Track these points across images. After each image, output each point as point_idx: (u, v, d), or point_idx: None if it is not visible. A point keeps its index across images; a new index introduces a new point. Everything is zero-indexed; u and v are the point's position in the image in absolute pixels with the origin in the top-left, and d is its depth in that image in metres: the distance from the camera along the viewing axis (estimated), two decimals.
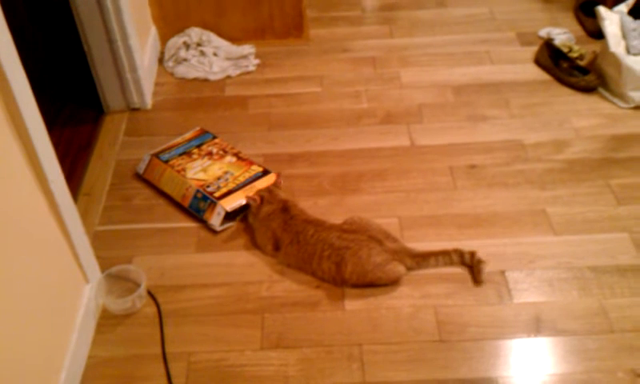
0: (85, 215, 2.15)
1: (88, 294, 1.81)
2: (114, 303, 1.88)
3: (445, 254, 1.96)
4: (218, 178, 2.19)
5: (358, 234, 1.93)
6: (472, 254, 1.96)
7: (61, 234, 1.68)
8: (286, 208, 2.01)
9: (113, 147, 2.45)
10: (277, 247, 2.00)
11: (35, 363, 1.51)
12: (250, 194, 2.07)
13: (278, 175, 2.19)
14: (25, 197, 1.50)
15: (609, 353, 1.74)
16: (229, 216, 2.10)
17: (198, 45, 2.87)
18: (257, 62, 2.87)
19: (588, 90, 2.61)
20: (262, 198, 2.03)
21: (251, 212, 2.07)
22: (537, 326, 1.81)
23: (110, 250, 2.06)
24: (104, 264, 1.95)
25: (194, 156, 2.30)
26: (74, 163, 2.38)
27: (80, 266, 1.78)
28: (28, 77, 1.50)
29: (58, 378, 1.60)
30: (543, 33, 2.96)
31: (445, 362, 1.73)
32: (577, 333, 1.79)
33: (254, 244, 2.05)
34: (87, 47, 2.44)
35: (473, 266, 1.95)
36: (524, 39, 2.97)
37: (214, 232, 2.10)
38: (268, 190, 2.08)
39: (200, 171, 2.22)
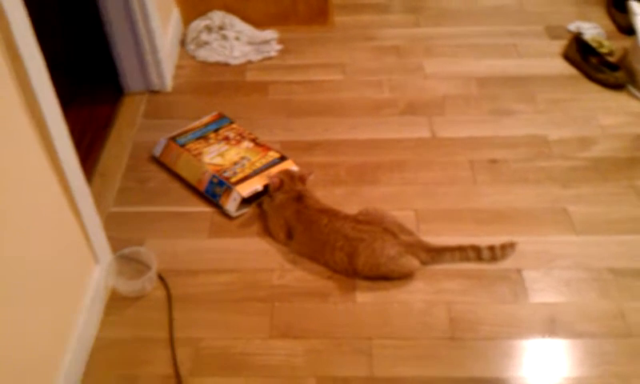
0: (99, 196, 2.15)
1: (97, 275, 1.81)
2: (123, 285, 1.87)
3: (461, 249, 1.92)
4: (235, 164, 2.17)
5: (372, 226, 1.89)
6: (492, 248, 1.91)
7: (71, 213, 1.67)
8: (300, 197, 1.98)
9: (131, 129, 2.44)
10: (290, 236, 1.97)
11: (41, 343, 1.51)
12: (274, 175, 2.04)
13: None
14: (36, 176, 1.49)
15: (625, 358, 1.68)
16: (245, 202, 2.08)
17: (220, 28, 2.84)
18: (279, 47, 2.84)
19: (617, 87, 2.53)
20: (281, 182, 2.00)
21: (267, 197, 2.05)
22: (552, 327, 1.76)
23: (122, 231, 2.05)
24: (116, 245, 1.94)
25: (211, 141, 2.28)
26: (91, 143, 2.38)
27: (90, 246, 1.78)
28: (47, 56, 1.49)
29: (64, 358, 1.60)
30: (573, 27, 2.88)
31: (456, 361, 1.69)
32: (593, 336, 1.73)
33: (267, 231, 2.03)
34: (108, 27, 2.43)
35: (497, 258, 1.92)
36: (553, 33, 2.89)
37: (228, 217, 2.08)
38: (290, 175, 2.04)
39: (217, 156, 2.20)
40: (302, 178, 2.05)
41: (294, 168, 2.17)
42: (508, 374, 1.66)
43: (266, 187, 2.08)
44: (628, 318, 1.77)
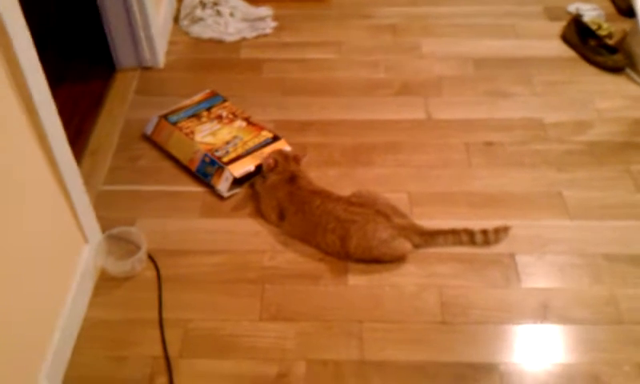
0: (90, 174, 2.12)
1: (87, 255, 1.79)
2: (113, 265, 1.85)
3: (454, 233, 1.90)
4: (227, 143, 2.15)
5: (365, 208, 1.87)
6: (485, 232, 1.90)
7: (60, 192, 1.64)
8: (293, 178, 1.96)
9: (122, 106, 2.41)
10: (282, 217, 1.95)
11: (29, 322, 1.49)
12: (269, 155, 2.02)
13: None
14: (23, 155, 1.46)
15: (617, 345, 1.67)
16: (236, 182, 2.06)
17: (215, 4, 2.80)
18: (274, 24, 2.80)
19: (615, 70, 2.50)
20: (276, 162, 1.97)
21: (259, 177, 2.02)
22: (544, 312, 1.75)
23: (113, 210, 2.03)
24: (106, 224, 1.92)
25: (203, 119, 2.25)
26: (82, 121, 2.35)
27: (79, 225, 1.75)
28: (37, 32, 1.45)
29: (52, 337, 1.58)
30: (572, 8, 2.84)
31: (446, 345, 1.68)
32: (585, 322, 1.73)
33: (259, 212, 2.01)
34: (100, 2, 2.39)
35: (490, 243, 1.90)
36: (552, 14, 2.86)
37: (220, 197, 2.06)
38: (284, 155, 2.02)
39: (209, 135, 2.18)
40: (296, 159, 2.02)
41: (287, 148, 2.15)
42: (498, 358, 1.65)
43: (258, 167, 2.06)
44: (620, 304, 1.76)
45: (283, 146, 2.16)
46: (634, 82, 2.46)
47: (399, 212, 1.91)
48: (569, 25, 2.67)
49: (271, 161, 1.98)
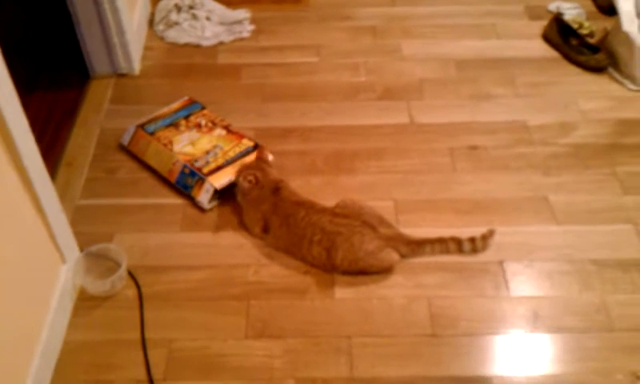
0: (65, 187, 2.06)
1: (65, 275, 1.72)
2: (92, 284, 1.79)
3: (441, 241, 1.87)
4: (207, 153, 2.09)
5: (350, 219, 1.83)
6: (473, 239, 1.87)
7: (35, 212, 1.58)
8: (277, 189, 1.91)
9: (97, 115, 2.34)
10: (266, 229, 1.90)
11: (6, 351, 1.43)
12: (242, 171, 1.95)
13: (261, 149, 2.05)
14: None
15: (608, 353, 1.66)
16: (218, 193, 2.00)
17: (191, 7, 2.73)
18: (251, 27, 2.74)
19: (597, 69, 2.49)
20: (256, 179, 1.91)
21: (240, 190, 1.97)
22: (534, 321, 1.73)
23: (90, 225, 1.96)
24: (84, 240, 1.85)
25: (182, 128, 2.19)
26: (56, 131, 2.27)
27: (56, 245, 1.69)
28: (6, 40, 1.38)
29: (31, 365, 1.52)
30: (553, 7, 2.82)
31: (436, 358, 1.65)
32: (575, 330, 1.71)
33: (242, 225, 1.96)
34: (72, 8, 2.31)
35: (478, 250, 1.87)
36: (533, 13, 2.83)
37: (201, 210, 2.01)
38: (260, 168, 1.96)
39: (188, 144, 2.12)
40: (264, 161, 1.98)
41: (270, 157, 2.10)
42: (489, 371, 1.62)
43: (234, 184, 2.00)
44: (611, 311, 1.74)
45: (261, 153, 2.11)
46: (617, 81, 2.45)
47: (385, 222, 1.88)
48: (550, 24, 2.65)
49: (251, 178, 1.91)
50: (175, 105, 2.29)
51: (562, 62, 2.57)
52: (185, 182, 2.03)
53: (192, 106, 2.29)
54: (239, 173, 1.94)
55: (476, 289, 1.80)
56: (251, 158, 2.07)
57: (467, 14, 2.83)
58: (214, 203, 2.01)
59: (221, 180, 2.00)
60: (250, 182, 1.90)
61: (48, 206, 1.62)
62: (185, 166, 2.04)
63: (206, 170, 2.02)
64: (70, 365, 1.64)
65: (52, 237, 1.67)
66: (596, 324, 1.72)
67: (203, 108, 2.28)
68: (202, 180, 2.00)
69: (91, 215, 2.00)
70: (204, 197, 1.99)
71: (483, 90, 2.44)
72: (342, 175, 2.13)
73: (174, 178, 2.06)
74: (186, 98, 2.33)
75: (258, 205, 1.91)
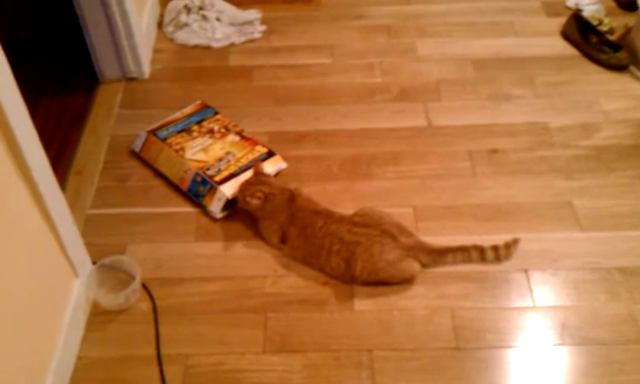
0: (76, 196, 2.01)
1: (77, 290, 1.68)
2: (105, 298, 1.74)
3: (463, 250, 1.82)
4: (220, 160, 2.03)
5: (370, 228, 1.78)
6: (496, 248, 1.82)
7: (46, 227, 1.53)
8: (292, 197, 1.86)
9: (107, 120, 2.28)
10: (284, 239, 1.85)
11: (19, 367, 1.38)
12: (243, 190, 1.88)
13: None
14: (2, 190, 1.34)
15: (636, 366, 1.60)
16: (230, 202, 1.95)
17: (200, 8, 2.67)
18: (263, 28, 2.68)
19: (619, 68, 2.42)
20: (265, 196, 1.85)
21: (251, 208, 1.90)
22: (560, 333, 1.67)
23: (102, 236, 1.92)
24: (96, 251, 1.81)
25: (194, 134, 2.13)
26: (65, 137, 2.22)
27: (68, 259, 1.64)
28: (13, 45, 1.31)
29: (45, 382, 1.48)
30: (571, 3, 2.75)
31: (461, 373, 1.60)
32: (602, 342, 1.65)
33: (258, 234, 1.91)
34: (80, 11, 2.25)
35: (501, 259, 1.82)
36: (551, 9, 2.76)
37: (215, 218, 1.96)
38: (261, 182, 1.89)
39: (200, 151, 2.06)
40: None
41: (283, 165, 2.06)
42: None
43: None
44: (639, 321, 1.69)
45: (278, 162, 2.06)
46: (639, 79, 2.38)
47: (406, 231, 1.82)
48: (569, 21, 2.58)
49: (259, 194, 1.84)
50: (188, 109, 2.23)
51: (582, 60, 2.50)
52: (196, 191, 1.98)
53: (205, 111, 2.23)
54: (241, 192, 1.89)
55: (500, 299, 1.75)
56: (249, 174, 1.99)
57: (483, 11, 2.77)
58: (226, 212, 1.96)
59: (233, 188, 1.94)
60: (258, 198, 1.85)
61: (59, 219, 1.57)
62: (197, 174, 1.98)
63: (218, 178, 1.97)
64: (83, 382, 1.60)
65: (63, 250, 1.62)
66: (623, 335, 1.67)
67: (216, 113, 2.23)
68: (214, 188, 1.95)
69: (103, 225, 1.95)
70: (216, 206, 1.94)
71: (502, 91, 2.38)
72: (358, 181, 2.08)
73: (185, 186, 2.01)
74: (198, 102, 2.28)
75: (274, 216, 1.86)
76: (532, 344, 1.66)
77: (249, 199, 1.86)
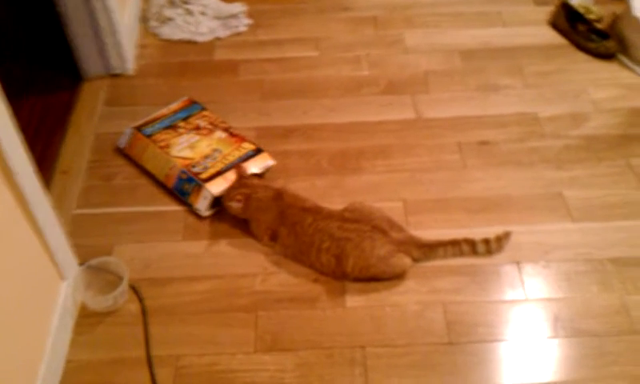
0: (62, 196, 1.98)
1: (64, 292, 1.65)
2: (93, 300, 1.72)
3: (454, 244, 1.80)
4: (206, 157, 2.00)
5: (360, 224, 1.76)
6: (487, 241, 1.80)
7: (31, 230, 1.50)
8: (278, 195, 1.84)
9: (91, 118, 2.25)
10: (274, 238, 1.83)
11: (7, 372, 1.36)
12: (228, 195, 1.86)
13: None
14: None
15: (630, 357, 1.60)
16: (216, 200, 1.92)
17: (184, 2, 2.64)
18: (248, 21, 2.65)
19: (607, 56, 2.42)
20: (245, 197, 1.83)
21: (236, 212, 1.88)
22: (553, 325, 1.67)
23: (89, 236, 1.89)
24: (83, 253, 1.78)
25: (181, 130, 2.10)
26: (49, 137, 2.18)
27: (54, 262, 1.61)
28: None
29: None
30: None
31: (454, 368, 1.59)
32: (595, 333, 1.65)
33: (249, 232, 1.88)
34: (62, 7, 2.22)
35: (492, 252, 1.81)
36: None
37: (201, 217, 1.93)
38: (243, 185, 1.86)
39: (186, 148, 2.03)
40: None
41: (270, 162, 2.03)
42: (508, 379, 1.56)
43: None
44: (632, 312, 1.68)
45: (266, 159, 2.03)
46: (627, 68, 2.38)
47: (396, 225, 1.80)
48: (557, 10, 2.57)
49: (239, 197, 1.83)
50: (174, 105, 2.20)
51: (571, 48, 2.49)
52: (182, 188, 1.95)
53: (192, 107, 2.20)
54: (226, 199, 1.87)
55: (492, 293, 1.74)
56: (253, 162, 1.99)
57: (471, 1, 2.75)
58: (213, 210, 1.93)
59: (220, 186, 1.91)
60: (238, 201, 1.83)
61: (44, 222, 1.54)
62: (182, 172, 1.95)
63: (204, 176, 1.94)
64: None
65: (49, 253, 1.59)
66: (616, 326, 1.66)
67: (203, 109, 2.20)
68: (199, 186, 1.92)
69: (89, 226, 1.92)
70: (202, 203, 1.91)
71: (491, 81, 2.37)
72: (347, 175, 2.06)
73: (171, 184, 1.98)
74: (185, 98, 2.24)
75: (260, 216, 1.84)
76: (525, 337, 1.65)
77: (228, 203, 1.84)
